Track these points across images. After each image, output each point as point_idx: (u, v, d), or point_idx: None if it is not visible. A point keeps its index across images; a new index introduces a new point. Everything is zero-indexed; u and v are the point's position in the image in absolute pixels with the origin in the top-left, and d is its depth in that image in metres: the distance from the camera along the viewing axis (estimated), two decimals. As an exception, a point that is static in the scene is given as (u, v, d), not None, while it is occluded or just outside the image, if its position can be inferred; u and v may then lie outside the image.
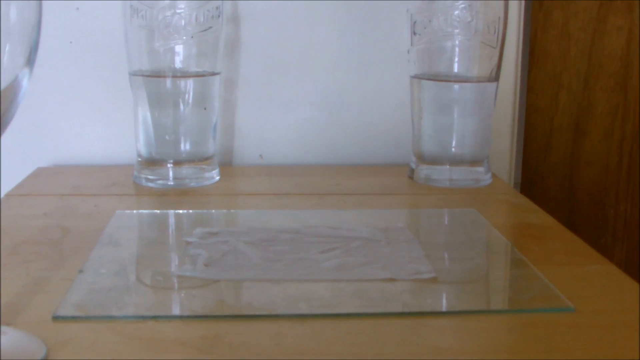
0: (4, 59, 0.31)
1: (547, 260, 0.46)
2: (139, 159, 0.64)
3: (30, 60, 0.32)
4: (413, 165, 0.66)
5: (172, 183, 0.62)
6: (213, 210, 0.56)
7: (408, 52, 0.65)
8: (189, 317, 0.38)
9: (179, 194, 0.61)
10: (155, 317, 0.37)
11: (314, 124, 0.74)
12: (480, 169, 0.65)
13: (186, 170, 0.63)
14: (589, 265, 0.46)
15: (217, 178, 0.65)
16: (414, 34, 0.63)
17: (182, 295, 0.41)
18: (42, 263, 0.44)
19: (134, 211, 0.56)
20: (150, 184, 0.63)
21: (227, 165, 0.73)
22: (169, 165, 0.63)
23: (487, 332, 0.37)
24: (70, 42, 0.70)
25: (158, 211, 0.56)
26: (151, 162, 0.63)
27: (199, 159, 0.64)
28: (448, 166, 0.64)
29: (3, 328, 0.35)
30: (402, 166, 0.71)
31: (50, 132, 0.71)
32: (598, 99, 0.74)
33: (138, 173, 0.64)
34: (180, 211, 0.56)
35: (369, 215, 0.56)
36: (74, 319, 0.37)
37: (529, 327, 0.37)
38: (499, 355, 0.34)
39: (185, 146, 0.63)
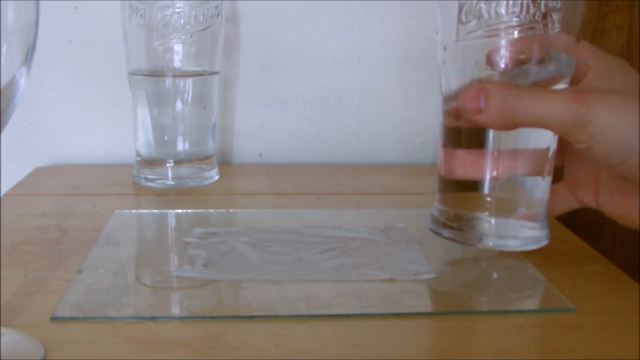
0: (1, 59, 0.30)
1: (547, 260, 0.46)
2: (138, 159, 0.64)
3: (27, 60, 0.32)
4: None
5: (171, 182, 0.62)
6: (212, 210, 0.56)
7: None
8: (187, 318, 0.38)
9: (178, 194, 0.60)
10: (153, 318, 0.37)
11: (313, 122, 0.74)
12: None
13: (185, 169, 0.63)
14: (589, 265, 0.46)
15: (217, 177, 0.65)
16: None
17: (181, 295, 0.41)
18: (40, 263, 0.44)
19: (133, 211, 0.55)
20: (150, 184, 0.62)
21: (226, 165, 0.73)
22: (168, 164, 0.63)
23: (487, 332, 0.37)
24: (70, 41, 0.70)
25: (157, 211, 0.56)
26: (150, 162, 0.63)
27: (198, 159, 0.64)
28: None
29: (1, 329, 0.35)
30: (402, 165, 0.71)
31: (49, 132, 0.71)
32: (598, 97, 0.74)
33: (137, 172, 0.64)
34: (180, 211, 0.56)
35: (369, 215, 0.56)
36: (72, 320, 0.37)
37: (529, 327, 0.37)
38: (499, 355, 0.34)
39: (184, 145, 0.63)
